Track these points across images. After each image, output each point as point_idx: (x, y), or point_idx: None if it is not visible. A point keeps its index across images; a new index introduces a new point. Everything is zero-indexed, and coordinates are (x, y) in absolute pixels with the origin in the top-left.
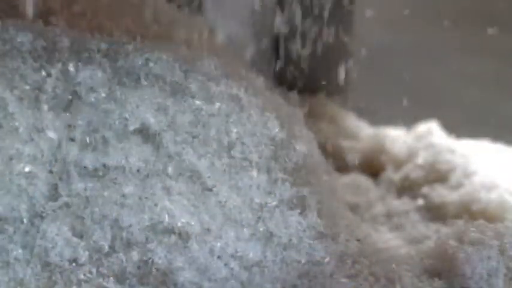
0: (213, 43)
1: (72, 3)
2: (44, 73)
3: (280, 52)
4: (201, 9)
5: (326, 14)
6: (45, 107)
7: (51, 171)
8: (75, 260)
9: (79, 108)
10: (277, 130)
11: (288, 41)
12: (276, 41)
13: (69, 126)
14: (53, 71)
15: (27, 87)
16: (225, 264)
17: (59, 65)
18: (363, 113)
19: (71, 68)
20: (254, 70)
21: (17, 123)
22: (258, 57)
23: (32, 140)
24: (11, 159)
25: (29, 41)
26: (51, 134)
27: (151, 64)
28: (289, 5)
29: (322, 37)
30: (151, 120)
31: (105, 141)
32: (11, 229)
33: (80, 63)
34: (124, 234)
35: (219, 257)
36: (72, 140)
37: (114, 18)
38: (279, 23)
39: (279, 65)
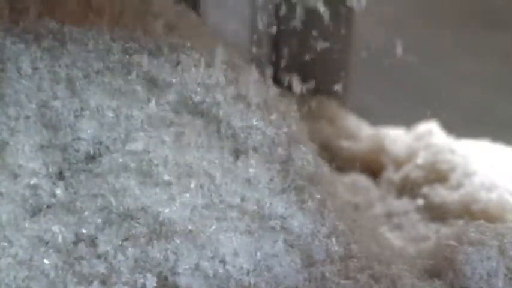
0: (212, 40)
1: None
2: (50, 92)
3: (279, 52)
4: (200, 8)
5: (326, 13)
6: (51, 124)
7: (54, 183)
8: (75, 265)
9: (85, 123)
10: (280, 131)
11: (288, 41)
12: (275, 41)
13: (74, 139)
14: (59, 89)
15: (34, 106)
16: (226, 267)
17: (65, 83)
18: (363, 113)
19: (77, 85)
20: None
21: (23, 141)
22: (257, 57)
23: (38, 157)
24: (16, 174)
25: (31, 59)
26: (56, 151)
27: (162, 79)
28: (288, 4)
29: (322, 37)
30: (155, 133)
31: (109, 151)
32: (12, 234)
33: (86, 80)
34: (126, 239)
35: (219, 260)
36: (77, 151)
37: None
38: (279, 23)
39: (279, 65)
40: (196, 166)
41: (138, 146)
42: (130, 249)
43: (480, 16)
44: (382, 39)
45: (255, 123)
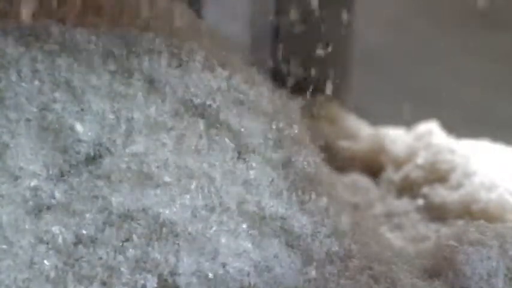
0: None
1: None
2: (50, 95)
3: (279, 52)
4: (200, 9)
5: (326, 13)
6: (52, 127)
7: (55, 185)
8: (76, 266)
9: (85, 125)
10: (280, 133)
11: (287, 41)
12: (275, 42)
13: (74, 141)
14: (59, 92)
15: (34, 108)
16: (226, 268)
17: (65, 86)
18: (363, 113)
19: (78, 88)
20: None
21: (23, 143)
22: (256, 57)
23: (38, 159)
24: (17, 176)
25: (31, 62)
26: (56, 153)
27: (163, 77)
28: (288, 5)
29: (322, 37)
30: (155, 136)
31: (109, 153)
32: (12, 236)
33: (86, 83)
34: (126, 240)
35: (220, 262)
36: (77, 153)
37: (113, 18)
38: (279, 24)
39: (279, 65)
40: (197, 168)
41: (138, 148)
42: (130, 250)
43: (480, 16)
44: (382, 39)
45: (255, 124)
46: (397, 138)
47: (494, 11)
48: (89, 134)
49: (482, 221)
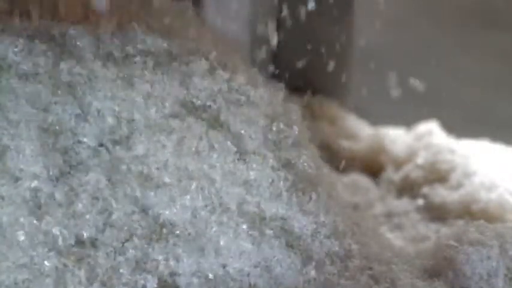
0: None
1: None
2: (50, 97)
3: (280, 53)
4: (200, 10)
5: (326, 13)
6: (52, 128)
7: (55, 186)
8: (76, 267)
9: (86, 127)
10: (281, 134)
11: (288, 41)
12: (275, 42)
13: (74, 143)
14: (59, 94)
15: (34, 110)
16: (226, 269)
17: (65, 88)
18: (363, 113)
19: (78, 90)
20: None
21: (23, 145)
22: (257, 57)
23: (38, 161)
24: (17, 177)
25: (32, 64)
26: (56, 154)
27: (163, 79)
28: (288, 5)
29: (322, 37)
30: (156, 138)
31: (109, 155)
32: (12, 236)
33: (86, 84)
34: (126, 241)
35: (220, 262)
36: (77, 154)
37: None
38: (279, 24)
39: (279, 66)
40: (197, 169)
41: (139, 149)
42: (130, 251)
43: (480, 16)
44: (382, 39)
45: (255, 126)
46: (397, 138)
47: (494, 11)
48: (89, 135)
49: (482, 221)
